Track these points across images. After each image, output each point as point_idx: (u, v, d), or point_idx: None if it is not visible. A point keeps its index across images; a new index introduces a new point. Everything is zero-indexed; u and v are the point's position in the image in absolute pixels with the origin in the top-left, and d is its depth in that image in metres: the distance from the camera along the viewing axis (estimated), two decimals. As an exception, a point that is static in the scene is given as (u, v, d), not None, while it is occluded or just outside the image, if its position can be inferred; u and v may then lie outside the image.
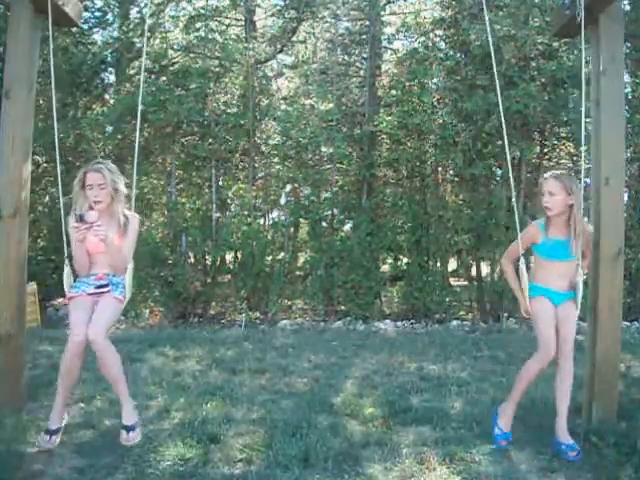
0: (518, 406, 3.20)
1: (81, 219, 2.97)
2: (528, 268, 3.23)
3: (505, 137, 3.33)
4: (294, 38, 9.96)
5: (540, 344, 3.04)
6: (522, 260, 3.17)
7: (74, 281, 3.18)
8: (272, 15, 10.14)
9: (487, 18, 3.13)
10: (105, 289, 3.09)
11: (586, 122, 3.41)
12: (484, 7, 3.15)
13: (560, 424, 3.02)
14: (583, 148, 4.00)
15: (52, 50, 3.39)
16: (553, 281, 3.15)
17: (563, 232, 3.12)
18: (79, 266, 3.15)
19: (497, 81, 3.13)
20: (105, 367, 3.12)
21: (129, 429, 2.96)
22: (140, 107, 3.34)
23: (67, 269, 3.21)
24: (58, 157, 3.58)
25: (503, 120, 3.24)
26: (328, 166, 8.89)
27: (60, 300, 8.51)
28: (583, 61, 3.35)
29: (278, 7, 9.95)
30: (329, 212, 8.64)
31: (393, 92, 8.70)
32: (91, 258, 3.15)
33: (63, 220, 3.21)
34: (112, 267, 3.13)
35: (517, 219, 3.35)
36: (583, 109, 3.31)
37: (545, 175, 3.22)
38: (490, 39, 3.16)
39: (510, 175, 3.38)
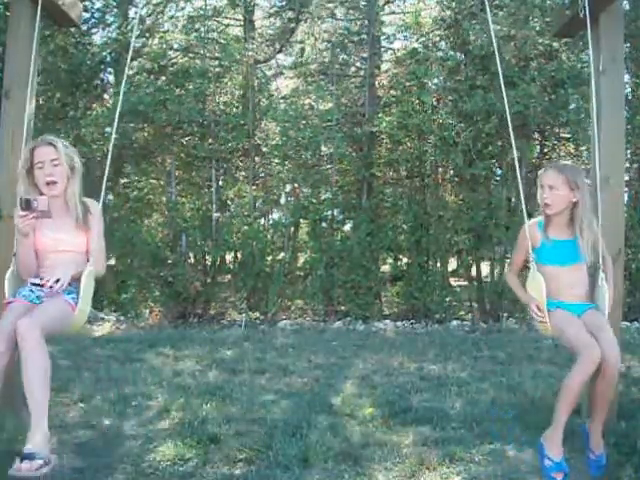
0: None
1: (27, 206, 2.33)
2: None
3: (512, 137, 3.14)
4: (293, 38, 9.95)
5: (580, 349, 2.53)
6: (534, 266, 2.74)
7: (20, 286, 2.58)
8: (269, 16, 10.13)
9: (490, 18, 3.12)
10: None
11: (586, 122, 3.38)
12: (487, 7, 3.13)
13: (593, 430, 2.67)
14: (596, 145, 3.65)
15: (36, 46, 3.37)
16: (565, 292, 2.74)
17: (565, 232, 2.76)
18: (23, 267, 2.58)
19: (502, 79, 3.05)
20: (27, 371, 2.38)
21: (26, 457, 2.13)
22: (119, 107, 3.18)
23: (10, 269, 2.65)
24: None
25: (509, 119, 3.09)
26: (328, 166, 8.89)
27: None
28: (591, 59, 3.31)
29: (275, 8, 9.93)
30: (329, 212, 8.64)
31: (393, 92, 8.70)
32: (40, 259, 2.57)
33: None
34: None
35: (526, 220, 2.86)
36: (594, 105, 3.11)
37: (545, 166, 2.88)
38: (493, 39, 3.14)
39: (518, 175, 3.17)
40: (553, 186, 2.70)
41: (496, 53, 3.15)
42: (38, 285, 2.55)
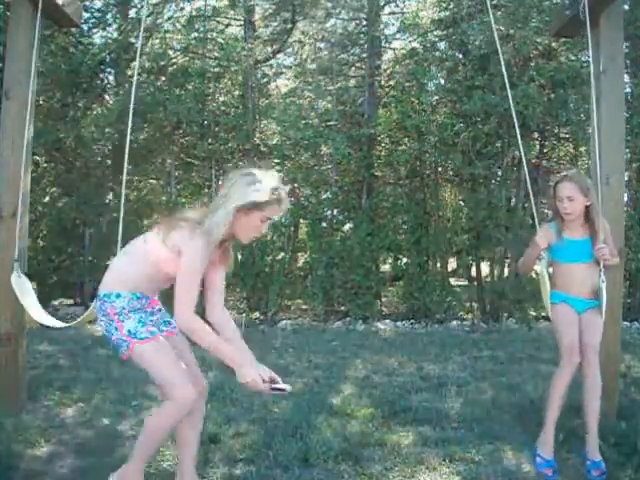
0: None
1: None
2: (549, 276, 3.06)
3: (518, 136, 3.23)
4: (292, 38, 9.94)
5: (562, 350, 2.84)
6: (544, 263, 3.03)
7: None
8: (268, 16, 10.13)
9: (492, 18, 3.12)
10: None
11: (586, 122, 3.38)
12: (488, 7, 3.13)
13: (590, 441, 2.80)
14: (596, 145, 3.73)
15: (37, 46, 3.37)
16: (574, 287, 2.98)
17: (579, 232, 2.98)
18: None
19: (505, 77, 3.10)
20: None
21: None
22: (132, 107, 3.23)
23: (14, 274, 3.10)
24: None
25: (515, 118, 3.16)
26: (328, 166, 8.89)
27: (60, 300, 8.52)
28: (591, 59, 3.32)
29: (270, 10, 9.92)
30: (329, 212, 8.63)
31: (392, 92, 8.70)
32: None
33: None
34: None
35: (536, 220, 3.20)
36: (594, 106, 3.21)
37: (558, 178, 3.03)
38: (496, 38, 3.15)
39: (526, 175, 3.27)
40: (571, 197, 2.90)
41: (500, 54, 3.14)
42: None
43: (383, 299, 8.89)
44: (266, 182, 2.22)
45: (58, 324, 3.10)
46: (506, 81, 3.09)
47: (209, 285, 2.40)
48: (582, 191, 2.90)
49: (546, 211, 7.61)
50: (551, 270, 3.10)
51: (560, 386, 2.84)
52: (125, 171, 3.29)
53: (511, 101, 3.12)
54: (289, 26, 9.52)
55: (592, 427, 2.81)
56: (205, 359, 5.21)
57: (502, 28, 7.43)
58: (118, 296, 2.29)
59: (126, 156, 3.24)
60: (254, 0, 9.30)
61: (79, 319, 2.97)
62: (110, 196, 8.96)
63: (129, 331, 2.27)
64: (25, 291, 3.20)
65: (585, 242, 2.96)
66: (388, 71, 9.22)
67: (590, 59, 3.32)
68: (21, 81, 3.41)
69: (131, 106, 3.16)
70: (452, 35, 8.24)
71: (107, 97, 9.22)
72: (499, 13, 7.81)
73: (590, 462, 2.73)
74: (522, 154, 3.29)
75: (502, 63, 3.10)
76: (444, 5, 8.44)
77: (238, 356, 2.24)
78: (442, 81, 8.60)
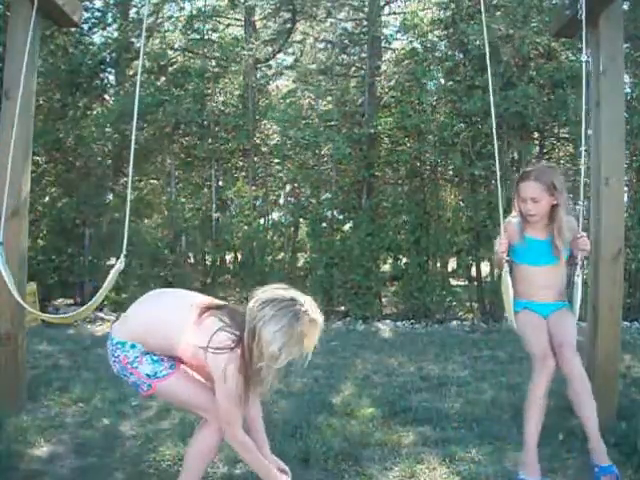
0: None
1: None
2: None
3: (495, 135, 3.19)
4: (292, 38, 9.95)
5: (534, 357, 2.57)
6: (506, 269, 2.70)
7: None
8: (268, 16, 10.13)
9: (484, 20, 3.11)
10: None
11: (586, 122, 3.35)
12: (482, 9, 3.12)
13: (594, 446, 2.54)
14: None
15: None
16: (536, 292, 2.72)
17: (542, 232, 2.72)
18: None
19: (490, 80, 2.98)
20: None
21: None
22: (137, 108, 3.25)
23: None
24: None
25: (494, 119, 3.14)
26: (328, 166, 8.89)
27: (60, 300, 8.52)
28: (585, 59, 3.32)
29: (269, 10, 9.91)
30: (329, 212, 8.63)
31: (392, 92, 8.70)
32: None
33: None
34: None
35: (501, 218, 2.83)
36: (584, 106, 3.18)
37: (522, 175, 2.72)
38: (486, 39, 3.11)
39: (497, 172, 3.09)
40: (535, 198, 2.63)
41: (487, 54, 3.07)
42: None
43: (383, 299, 8.89)
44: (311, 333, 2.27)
45: (50, 316, 3.09)
46: (489, 83, 2.98)
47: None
48: (548, 190, 2.62)
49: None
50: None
51: (538, 398, 2.56)
52: (131, 171, 3.31)
53: (492, 101, 3.00)
54: (289, 26, 9.51)
55: (593, 432, 2.55)
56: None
57: (502, 28, 7.43)
58: (133, 347, 2.25)
59: (132, 157, 3.26)
60: (254, 0, 9.30)
61: (71, 313, 2.95)
62: (110, 196, 8.96)
63: (148, 375, 2.23)
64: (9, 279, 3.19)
65: (547, 243, 2.70)
66: (388, 71, 9.22)
67: (584, 59, 3.31)
68: (21, 81, 3.41)
69: (135, 106, 3.16)
70: (452, 35, 8.24)
71: (107, 97, 9.23)
72: (498, 13, 7.81)
73: (598, 468, 2.51)
74: (496, 151, 3.05)
75: (488, 63, 3.03)
76: (444, 5, 8.44)
77: (273, 474, 2.32)
78: (442, 81, 8.60)
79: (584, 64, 3.29)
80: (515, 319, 2.72)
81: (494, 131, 2.98)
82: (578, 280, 2.76)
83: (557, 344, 2.57)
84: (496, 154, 3.00)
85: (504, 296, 2.77)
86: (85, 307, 3.22)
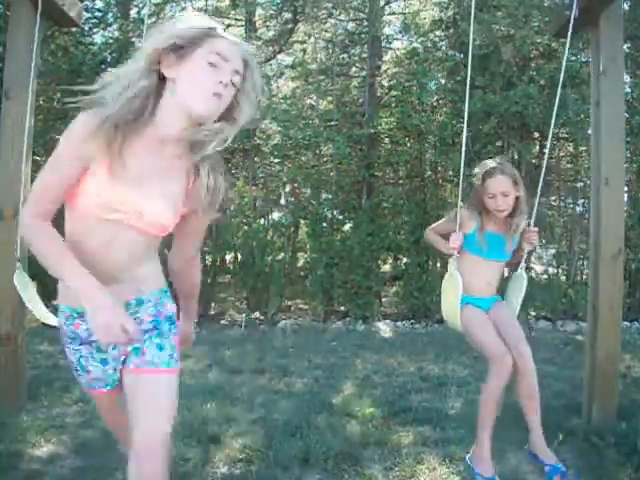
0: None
1: None
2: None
3: (465, 132, 3.18)
4: (293, 38, 9.95)
5: (489, 354, 2.51)
6: (454, 263, 2.63)
7: None
8: (267, 19, 10.13)
9: (472, 22, 3.11)
10: None
11: (585, 122, 3.35)
12: (472, 12, 3.13)
13: (535, 440, 2.51)
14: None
15: (37, 46, 3.37)
16: (480, 287, 2.66)
17: (500, 227, 2.64)
18: None
19: (468, 83, 3.00)
20: None
21: None
22: None
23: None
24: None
25: (466, 120, 3.09)
26: (328, 166, 8.89)
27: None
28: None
29: (272, 10, 9.92)
30: (329, 212, 8.63)
31: (393, 92, 8.70)
32: None
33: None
34: None
35: (459, 202, 2.74)
36: (554, 105, 3.18)
37: (487, 171, 2.60)
38: (470, 38, 3.12)
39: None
40: (506, 192, 2.57)
41: (470, 54, 3.08)
42: None
43: (383, 299, 8.89)
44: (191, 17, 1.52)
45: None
46: (467, 85, 2.98)
47: (180, 225, 1.73)
48: (514, 184, 2.57)
49: (547, 211, 7.62)
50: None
51: (494, 398, 2.54)
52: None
53: (467, 105, 2.99)
54: (290, 26, 9.52)
55: (534, 423, 2.53)
56: (206, 358, 5.23)
57: (503, 28, 7.43)
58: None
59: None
60: (255, 0, 9.30)
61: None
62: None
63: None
64: (28, 290, 3.21)
65: (502, 238, 2.65)
66: (389, 71, 9.22)
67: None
68: (21, 81, 3.41)
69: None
70: (453, 35, 8.24)
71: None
72: (499, 13, 7.81)
73: (549, 467, 2.45)
74: (465, 142, 3.06)
75: (469, 61, 3.03)
76: (445, 5, 8.45)
77: (92, 284, 1.42)
78: (442, 81, 8.60)
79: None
80: (461, 315, 2.61)
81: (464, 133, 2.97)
82: (522, 273, 2.73)
83: (513, 340, 2.51)
84: (464, 146, 2.96)
85: (449, 294, 2.66)
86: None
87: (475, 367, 4.99)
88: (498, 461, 2.87)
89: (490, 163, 2.66)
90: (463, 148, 3.01)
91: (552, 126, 3.06)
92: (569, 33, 2.92)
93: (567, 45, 2.99)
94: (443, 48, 8.57)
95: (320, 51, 10.01)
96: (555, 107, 2.98)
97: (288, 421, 3.37)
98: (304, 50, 10.03)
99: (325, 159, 8.92)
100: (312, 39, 9.93)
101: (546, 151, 3.70)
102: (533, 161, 8.41)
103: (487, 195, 2.59)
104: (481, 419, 2.58)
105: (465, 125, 3.03)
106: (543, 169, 3.03)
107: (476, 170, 2.71)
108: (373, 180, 8.69)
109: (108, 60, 8.78)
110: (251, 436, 3.18)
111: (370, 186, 8.60)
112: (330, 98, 8.99)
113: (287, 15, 9.61)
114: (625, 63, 4.28)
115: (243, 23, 10.00)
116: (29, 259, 3.54)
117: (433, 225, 2.95)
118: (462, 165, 2.86)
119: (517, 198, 2.60)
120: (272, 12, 9.87)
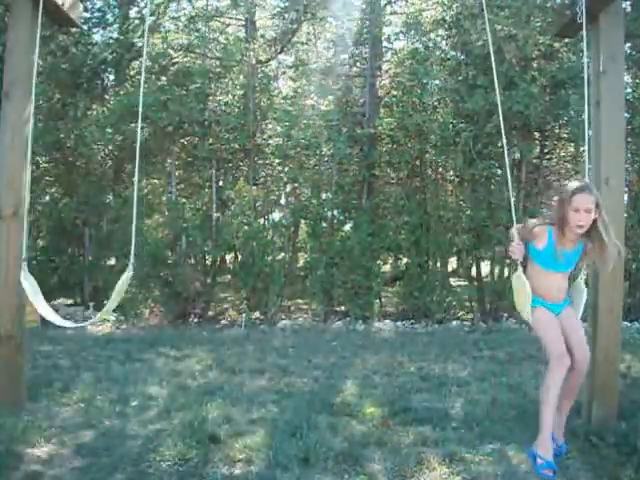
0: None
1: None
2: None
3: (504, 137, 3.17)
4: (295, 38, 9.94)
5: (551, 355, 2.74)
6: (520, 268, 2.85)
7: None
8: (272, 18, 10.13)
9: (486, 18, 3.11)
10: None
11: (585, 122, 3.34)
12: (484, 8, 3.12)
13: (560, 423, 2.84)
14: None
15: (37, 46, 3.38)
16: (551, 294, 2.89)
17: (572, 244, 2.83)
18: None
19: (495, 81, 3.03)
20: None
21: None
22: (140, 108, 3.27)
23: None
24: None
25: (502, 119, 3.10)
26: (328, 166, 8.88)
27: (60, 300, 8.52)
28: (585, 60, 3.32)
29: (278, 9, 9.92)
30: (329, 212, 8.63)
31: (394, 92, 8.70)
32: None
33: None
34: None
35: (514, 218, 3.02)
36: (586, 108, 3.19)
37: (579, 187, 2.76)
38: (489, 40, 3.12)
39: (507, 170, 3.11)
40: (590, 209, 2.71)
41: (491, 52, 3.10)
42: None
43: (383, 299, 8.89)
44: None
45: (68, 324, 3.13)
46: (495, 83, 3.03)
47: None
48: (596, 205, 2.72)
49: (544, 211, 7.61)
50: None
51: (555, 393, 2.72)
52: (137, 171, 3.30)
53: (499, 102, 3.03)
54: (293, 26, 9.51)
55: (566, 411, 2.88)
56: (206, 358, 5.22)
57: (506, 28, 7.42)
58: None
59: (137, 158, 3.25)
60: (257, 0, 9.30)
61: (94, 319, 2.98)
62: (110, 196, 8.96)
63: None
64: (34, 290, 3.23)
65: (576, 253, 2.85)
66: (390, 71, 9.22)
67: (584, 60, 3.31)
68: (21, 81, 3.41)
69: (140, 107, 3.16)
70: (454, 35, 8.24)
71: (108, 97, 9.22)
72: (502, 13, 7.80)
73: (557, 446, 2.79)
74: (505, 151, 3.15)
75: (492, 60, 3.04)
76: (447, 5, 8.43)
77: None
78: (444, 81, 8.59)
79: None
80: (532, 312, 2.85)
81: (502, 129, 2.99)
82: (581, 283, 2.97)
83: (575, 343, 2.79)
84: (506, 155, 3.01)
85: (518, 291, 2.89)
86: (98, 316, 3.32)
87: (475, 367, 4.99)
88: (499, 461, 2.88)
89: (581, 181, 2.87)
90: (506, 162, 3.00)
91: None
92: (583, 33, 2.93)
93: (584, 44, 3.00)
94: (444, 47, 8.56)
95: (321, 51, 10.01)
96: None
97: (288, 421, 3.37)
98: (305, 50, 10.01)
99: (326, 159, 8.92)
100: (313, 39, 9.93)
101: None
102: (534, 161, 8.41)
103: (573, 209, 2.73)
104: (542, 415, 2.75)
105: (500, 120, 2.98)
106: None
107: (567, 183, 2.88)
108: (373, 180, 8.69)
109: (108, 60, 8.79)
110: (251, 436, 3.18)
111: (370, 186, 8.60)
112: (331, 98, 8.97)
113: (291, 15, 9.59)
114: (625, 63, 4.27)
115: (243, 23, 10.00)
116: (29, 259, 3.55)
117: (519, 225, 3.08)
118: (507, 164, 2.93)
119: (594, 221, 2.75)
120: (279, 10, 9.84)
